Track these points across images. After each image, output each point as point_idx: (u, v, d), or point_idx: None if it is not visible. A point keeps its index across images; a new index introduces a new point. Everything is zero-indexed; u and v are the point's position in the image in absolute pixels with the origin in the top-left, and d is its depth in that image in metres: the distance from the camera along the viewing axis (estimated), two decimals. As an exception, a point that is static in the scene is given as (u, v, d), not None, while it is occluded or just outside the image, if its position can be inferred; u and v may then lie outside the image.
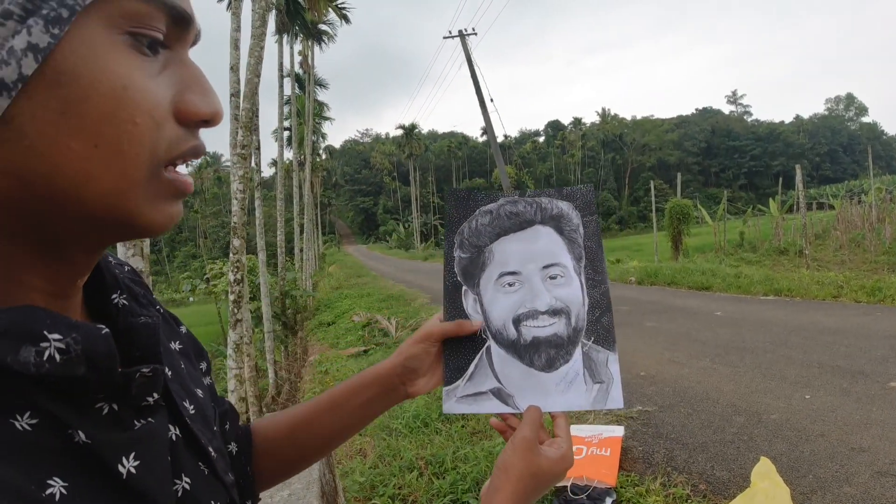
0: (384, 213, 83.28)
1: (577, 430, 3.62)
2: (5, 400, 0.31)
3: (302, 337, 12.11)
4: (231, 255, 6.31)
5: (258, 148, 11.29)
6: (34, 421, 0.32)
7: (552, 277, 0.71)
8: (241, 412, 5.84)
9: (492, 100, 18.94)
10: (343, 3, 16.75)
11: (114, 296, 0.43)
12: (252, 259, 13.18)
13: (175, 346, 0.53)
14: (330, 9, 16.47)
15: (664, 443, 3.58)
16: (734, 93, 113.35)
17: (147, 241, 2.58)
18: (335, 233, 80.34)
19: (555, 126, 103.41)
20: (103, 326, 0.35)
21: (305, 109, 21.36)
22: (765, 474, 2.68)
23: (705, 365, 5.17)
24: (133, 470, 0.36)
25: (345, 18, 17.30)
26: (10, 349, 0.31)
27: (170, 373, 0.47)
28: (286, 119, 20.53)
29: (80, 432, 0.34)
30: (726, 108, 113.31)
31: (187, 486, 0.43)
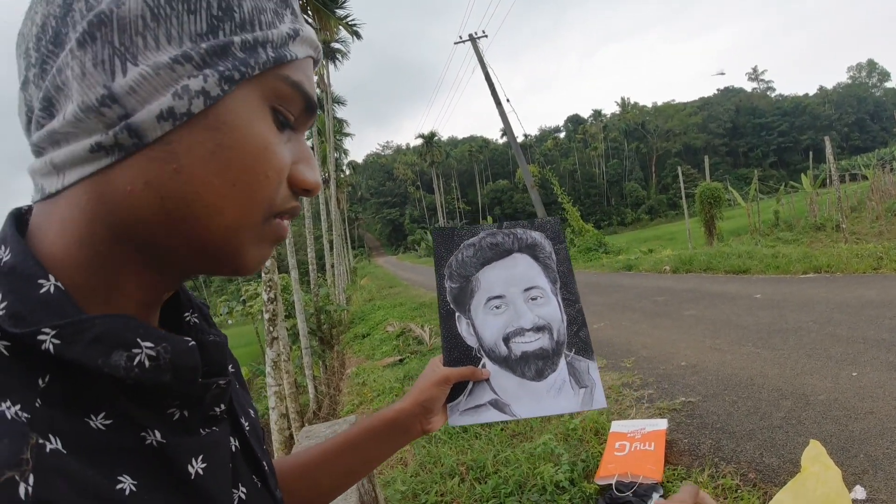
0: (411, 223, 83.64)
1: (618, 425, 3.56)
2: (83, 400, 0.33)
3: (339, 350, 12.24)
4: (263, 274, 6.42)
5: (282, 169, 11.50)
6: (109, 421, 0.34)
7: (533, 298, 0.80)
8: (283, 428, 5.93)
9: (508, 100, 18.90)
10: (353, 20, 16.95)
11: (186, 314, 0.47)
12: (285, 278, 13.41)
13: (230, 367, 0.56)
14: (340, 27, 16.68)
15: (710, 433, 3.49)
16: (755, 69, 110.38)
17: None
18: (365, 246, 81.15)
19: (574, 120, 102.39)
20: (190, 339, 0.38)
21: (325, 127, 21.70)
22: (815, 458, 2.58)
23: (748, 350, 5.03)
24: (201, 471, 0.39)
25: (356, 34, 17.49)
26: (103, 353, 0.33)
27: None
28: (308, 139, 20.85)
29: (156, 432, 0.36)
30: (748, 86, 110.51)
31: (243, 496, 0.45)
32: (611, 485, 2.94)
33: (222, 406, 0.43)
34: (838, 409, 3.49)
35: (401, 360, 7.98)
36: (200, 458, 0.39)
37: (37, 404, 0.31)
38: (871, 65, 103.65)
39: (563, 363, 0.77)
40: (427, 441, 4.14)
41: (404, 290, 19.36)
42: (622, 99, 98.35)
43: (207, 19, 0.36)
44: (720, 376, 4.48)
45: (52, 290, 0.34)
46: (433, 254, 0.84)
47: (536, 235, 0.83)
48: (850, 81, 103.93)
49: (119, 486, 0.32)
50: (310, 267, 14.17)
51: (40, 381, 0.32)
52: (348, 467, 0.72)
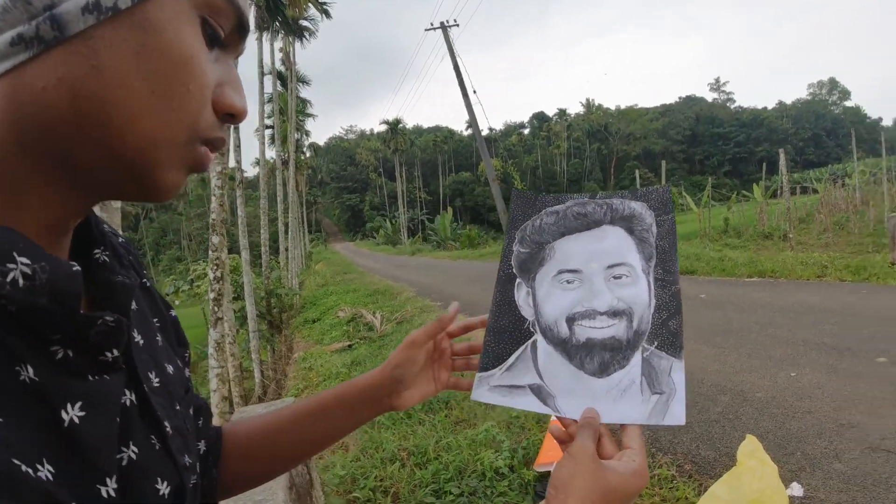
0: (371, 210, 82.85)
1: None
2: None
3: (287, 335, 11.98)
4: (210, 252, 6.19)
5: (239, 146, 11.11)
6: None
7: (616, 277, 0.68)
8: (225, 412, 5.72)
9: (475, 91, 18.89)
10: (322, -3, 16.52)
11: (96, 251, 0.44)
12: (235, 259, 13.02)
13: (155, 322, 0.53)
14: (310, 4, 16.22)
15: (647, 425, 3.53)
16: (717, 80, 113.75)
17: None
18: (322, 231, 79.90)
19: (540, 118, 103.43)
20: (75, 264, 0.35)
21: (288, 107, 21.13)
22: (751, 453, 2.62)
23: (690, 347, 5.13)
24: (76, 419, 0.35)
25: (326, 14, 17.11)
26: None
27: (141, 341, 0.47)
28: (269, 117, 20.29)
29: (29, 368, 0.33)
30: (709, 96, 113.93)
31: (133, 456, 0.40)
32: (549, 472, 2.92)
33: (114, 352, 0.38)
34: (776, 407, 3.58)
35: (349, 346, 7.86)
36: (79, 405, 0.35)
37: None
38: (833, 83, 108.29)
39: (636, 360, 0.64)
40: (370, 426, 4.06)
41: (359, 277, 19.15)
42: (587, 100, 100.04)
43: None
44: (664, 371, 4.55)
45: None
46: (509, 214, 0.75)
47: (636, 206, 0.71)
48: (809, 98, 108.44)
49: None
50: (262, 249, 13.79)
51: None
52: (313, 436, 0.68)
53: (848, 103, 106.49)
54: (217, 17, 0.39)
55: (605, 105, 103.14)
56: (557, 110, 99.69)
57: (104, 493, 0.36)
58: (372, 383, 0.69)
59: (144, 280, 0.55)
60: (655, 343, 0.64)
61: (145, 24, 0.34)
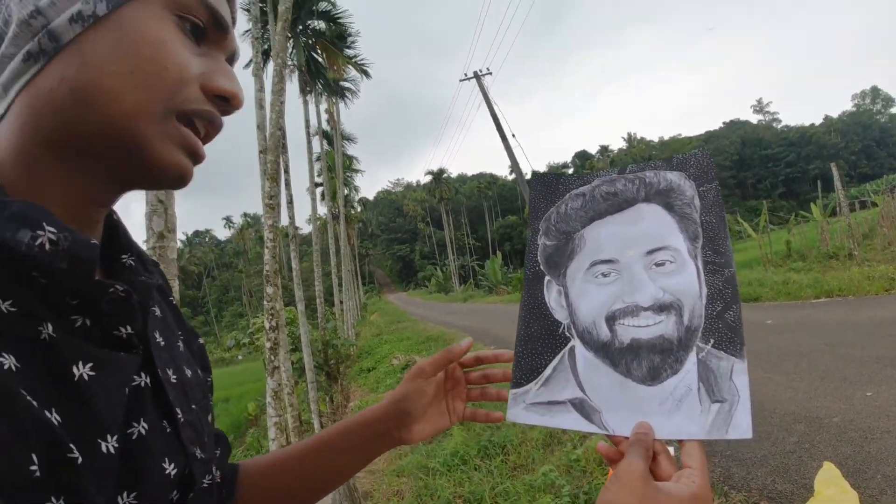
0: (421, 259, 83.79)
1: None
2: None
3: (344, 385, 12.09)
4: (265, 302, 6.38)
5: (290, 202, 11.58)
6: (14, 309, 0.36)
7: (659, 264, 0.58)
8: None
9: (514, 135, 19.08)
10: (362, 59, 17.37)
11: (124, 256, 0.50)
12: (292, 311, 13.37)
13: (179, 334, 0.57)
14: (350, 65, 17.09)
15: (719, 460, 3.35)
16: (759, 101, 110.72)
17: (171, 198, 2.62)
18: (375, 282, 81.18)
19: (582, 156, 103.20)
20: (94, 239, 0.41)
21: (335, 164, 22.01)
22: (829, 481, 2.45)
23: (759, 376, 4.87)
24: (86, 377, 0.39)
25: (365, 73, 17.90)
26: (12, 229, 0.36)
27: (162, 342, 0.51)
28: (318, 175, 21.17)
29: (49, 326, 0.38)
30: (754, 118, 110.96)
31: (143, 432, 0.44)
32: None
33: (128, 328, 0.43)
34: (853, 431, 3.34)
35: (405, 392, 7.84)
36: (90, 365, 0.39)
37: None
38: (875, 91, 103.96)
39: (691, 361, 0.55)
40: (424, 473, 4.01)
41: (412, 325, 19.24)
42: (628, 134, 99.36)
43: None
44: (730, 401, 4.34)
45: None
46: (529, 203, 0.66)
47: (673, 176, 0.61)
48: (854, 109, 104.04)
49: (2, 361, 0.34)
50: (317, 301, 14.13)
51: None
52: (321, 470, 0.67)
53: (893, 110, 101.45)
54: (187, 10, 0.44)
55: (648, 137, 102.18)
56: (599, 147, 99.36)
57: (104, 448, 0.39)
58: (378, 417, 0.66)
59: (171, 298, 0.59)
60: (711, 341, 0.55)
61: (121, 23, 0.41)
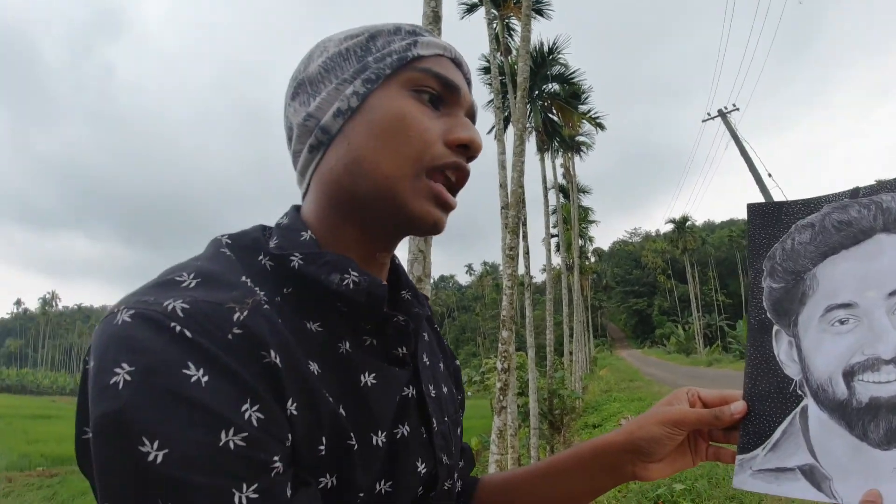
0: (660, 315, 77.95)
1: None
2: (308, 310, 0.49)
3: (567, 437, 11.94)
4: (500, 345, 6.86)
5: (527, 253, 12.22)
6: (321, 329, 0.49)
7: None
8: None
9: (770, 175, 16.92)
10: (596, 113, 17.63)
11: (403, 291, 0.60)
12: (522, 356, 13.81)
13: (440, 356, 0.68)
14: (584, 121, 17.48)
15: None
16: None
17: (429, 247, 3.20)
18: (607, 336, 78.18)
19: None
20: (383, 280, 0.56)
21: (571, 216, 22.40)
22: None
23: None
24: (369, 384, 0.50)
25: (599, 126, 18.10)
26: (326, 272, 0.48)
27: (427, 362, 0.61)
28: (554, 227, 21.79)
29: (347, 343, 0.50)
30: None
31: (405, 434, 0.53)
32: None
33: (404, 349, 0.54)
34: None
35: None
36: (373, 375, 0.51)
37: (277, 299, 0.46)
38: None
39: None
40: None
41: (645, 386, 18.06)
42: (943, 178, 79.11)
43: (355, 59, 0.54)
44: None
45: (308, 238, 0.52)
46: (747, 238, 0.60)
47: None
48: None
49: (309, 367, 0.45)
50: (547, 349, 14.38)
51: (285, 290, 0.48)
52: (547, 495, 0.66)
53: None
54: (422, 84, 0.53)
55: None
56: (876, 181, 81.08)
57: (374, 441, 0.49)
58: (612, 445, 0.62)
59: (436, 326, 0.71)
60: None
61: (370, 110, 0.51)
